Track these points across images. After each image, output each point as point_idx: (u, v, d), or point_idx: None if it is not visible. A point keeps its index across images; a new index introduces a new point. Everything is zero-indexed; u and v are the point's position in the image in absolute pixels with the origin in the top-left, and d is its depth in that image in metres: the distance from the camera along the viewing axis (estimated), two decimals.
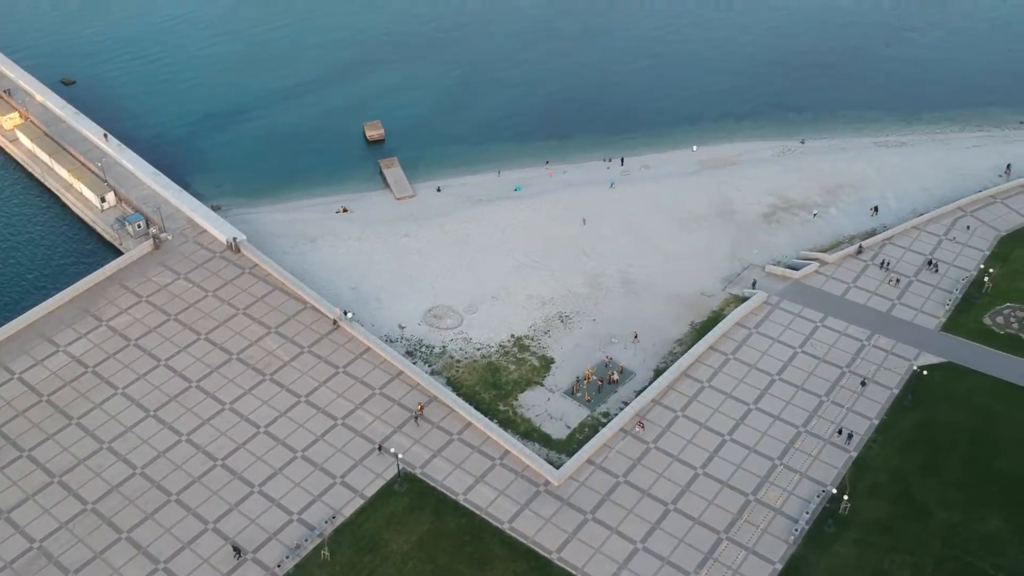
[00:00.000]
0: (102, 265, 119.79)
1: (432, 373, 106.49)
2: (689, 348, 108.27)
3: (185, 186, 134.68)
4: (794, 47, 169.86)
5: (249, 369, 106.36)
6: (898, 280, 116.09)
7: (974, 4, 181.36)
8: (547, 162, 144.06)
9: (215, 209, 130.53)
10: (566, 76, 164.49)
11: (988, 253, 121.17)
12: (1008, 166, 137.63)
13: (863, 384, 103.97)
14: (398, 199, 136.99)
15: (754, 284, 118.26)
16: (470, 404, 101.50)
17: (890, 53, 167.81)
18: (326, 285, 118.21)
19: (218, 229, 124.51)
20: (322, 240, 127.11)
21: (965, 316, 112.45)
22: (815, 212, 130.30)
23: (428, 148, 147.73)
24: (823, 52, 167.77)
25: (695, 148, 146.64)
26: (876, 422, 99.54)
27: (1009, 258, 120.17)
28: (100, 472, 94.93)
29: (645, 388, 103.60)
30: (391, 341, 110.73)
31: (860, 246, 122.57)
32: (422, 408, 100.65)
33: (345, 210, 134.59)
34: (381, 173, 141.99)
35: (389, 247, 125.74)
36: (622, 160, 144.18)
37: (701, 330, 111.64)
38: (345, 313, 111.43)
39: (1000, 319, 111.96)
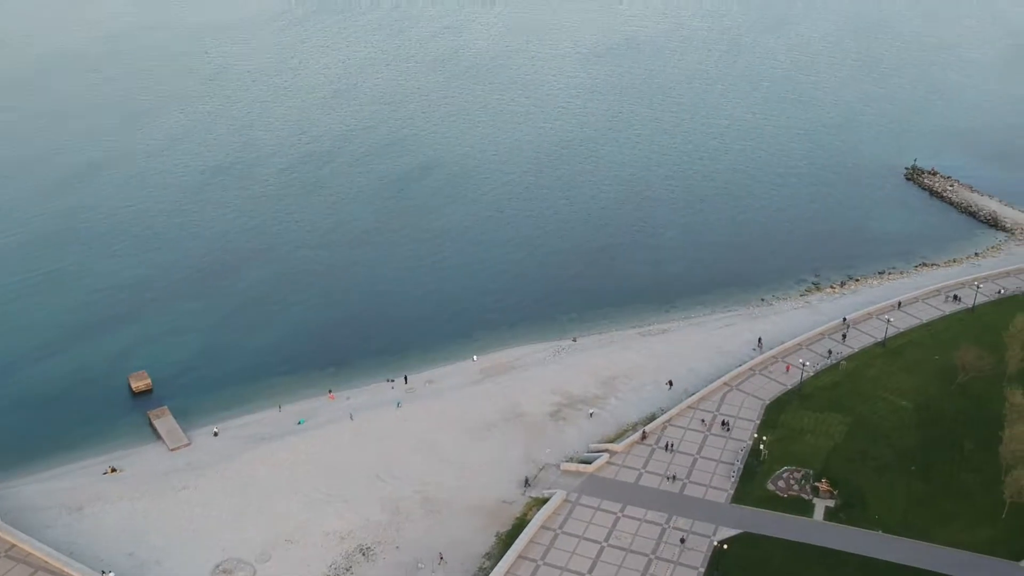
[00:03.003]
0: None
1: None
2: (498, 561, 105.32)
3: None
4: (551, 256, 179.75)
5: None
6: (675, 477, 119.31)
7: (699, 203, 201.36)
8: (329, 390, 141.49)
9: None
10: (337, 302, 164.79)
11: (758, 422, 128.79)
12: (759, 340, 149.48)
13: (682, 541, 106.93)
14: (172, 450, 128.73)
15: (527, 482, 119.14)
16: None
17: (639, 254, 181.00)
18: (98, 556, 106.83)
19: None
20: (89, 507, 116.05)
21: (750, 485, 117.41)
22: (591, 412, 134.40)
23: (200, 392, 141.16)
24: (580, 258, 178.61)
25: (475, 357, 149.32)
26: None
27: (777, 424, 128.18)
28: None
29: None
30: None
31: (644, 432, 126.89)
32: None
33: (113, 470, 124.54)
34: (151, 425, 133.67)
35: (166, 503, 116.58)
36: (406, 378, 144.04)
37: (507, 539, 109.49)
38: (103, 574, 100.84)
39: (781, 483, 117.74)
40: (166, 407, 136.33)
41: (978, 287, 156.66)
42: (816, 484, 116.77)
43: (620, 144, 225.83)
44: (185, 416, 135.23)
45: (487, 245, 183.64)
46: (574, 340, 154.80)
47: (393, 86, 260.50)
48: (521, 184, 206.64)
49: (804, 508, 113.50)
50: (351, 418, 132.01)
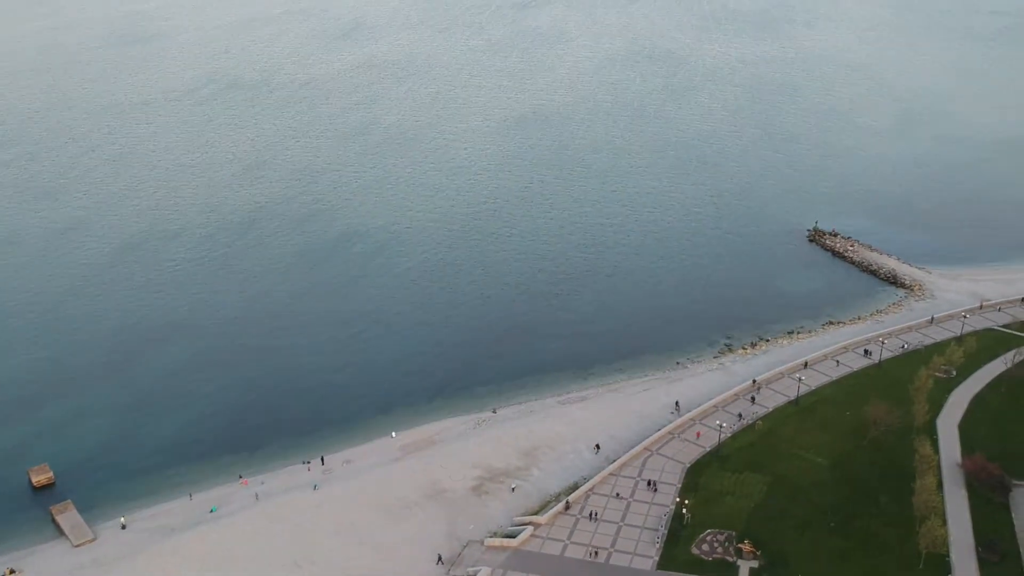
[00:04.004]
0: None
1: None
2: None
3: None
4: (468, 328, 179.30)
5: None
6: (596, 552, 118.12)
7: (611, 270, 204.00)
8: (240, 475, 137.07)
9: None
10: (249, 384, 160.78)
11: (680, 486, 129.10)
12: (676, 403, 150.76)
13: None
14: (76, 546, 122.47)
15: (439, 559, 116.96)
16: None
17: (555, 324, 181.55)
18: None
19: None
20: None
21: (675, 550, 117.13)
22: (513, 486, 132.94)
23: (107, 484, 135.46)
24: (496, 329, 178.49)
25: (394, 434, 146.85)
26: None
27: (699, 487, 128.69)
28: None
29: None
30: None
31: (567, 502, 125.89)
32: None
33: (12, 572, 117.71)
34: (54, 520, 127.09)
35: None
36: (322, 459, 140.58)
37: None
38: None
39: (705, 547, 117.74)
40: (70, 501, 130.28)
41: (883, 343, 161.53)
42: (739, 545, 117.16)
43: (532, 215, 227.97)
44: (91, 509, 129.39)
45: (403, 320, 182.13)
46: (494, 412, 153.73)
47: (304, 162, 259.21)
48: (435, 257, 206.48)
49: (729, 570, 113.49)
50: (256, 498, 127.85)
